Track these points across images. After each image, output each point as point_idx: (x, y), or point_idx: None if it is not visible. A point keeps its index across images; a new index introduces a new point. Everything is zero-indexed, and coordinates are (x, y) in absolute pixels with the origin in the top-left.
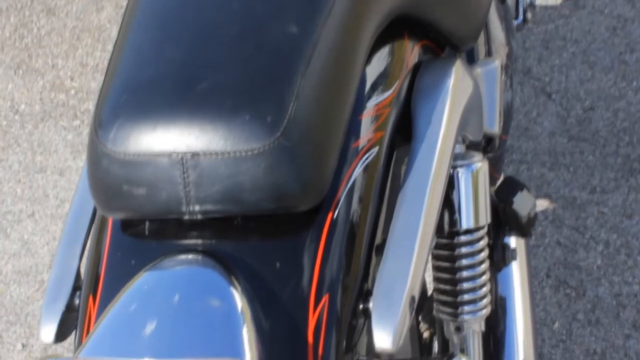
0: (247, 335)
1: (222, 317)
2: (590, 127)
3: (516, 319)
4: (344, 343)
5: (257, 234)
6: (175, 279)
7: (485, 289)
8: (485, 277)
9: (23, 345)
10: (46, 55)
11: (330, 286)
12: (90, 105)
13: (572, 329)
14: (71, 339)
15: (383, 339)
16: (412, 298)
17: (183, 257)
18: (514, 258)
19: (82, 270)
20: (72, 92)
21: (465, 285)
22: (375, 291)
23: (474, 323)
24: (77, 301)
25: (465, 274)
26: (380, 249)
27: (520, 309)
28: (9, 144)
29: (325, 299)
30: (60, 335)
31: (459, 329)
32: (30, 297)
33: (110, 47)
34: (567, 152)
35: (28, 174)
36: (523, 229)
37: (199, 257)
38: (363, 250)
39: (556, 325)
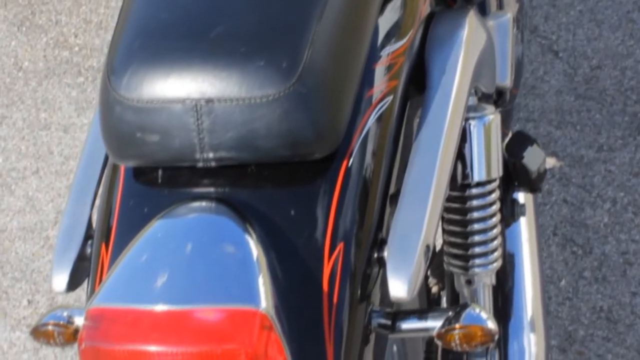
0: (262, 283)
1: (237, 264)
2: (598, 85)
3: (524, 274)
4: (359, 292)
5: (272, 182)
6: (189, 226)
7: (496, 242)
8: (496, 231)
9: (29, 302)
10: (49, 11)
11: (344, 234)
12: (95, 63)
13: (578, 286)
14: (77, 294)
15: (398, 287)
16: (427, 247)
17: (196, 204)
18: (523, 214)
19: (94, 220)
20: (76, 49)
21: (477, 238)
22: (389, 240)
23: (485, 276)
24: (88, 250)
25: (476, 226)
26: (394, 199)
27: (528, 265)
28: (12, 101)
29: (340, 247)
30: (72, 285)
31: (469, 282)
32: (36, 253)
33: (114, 4)
34: (574, 111)
35: (32, 131)
36: (532, 184)
37: (213, 204)
38: (377, 199)
39: (563, 282)
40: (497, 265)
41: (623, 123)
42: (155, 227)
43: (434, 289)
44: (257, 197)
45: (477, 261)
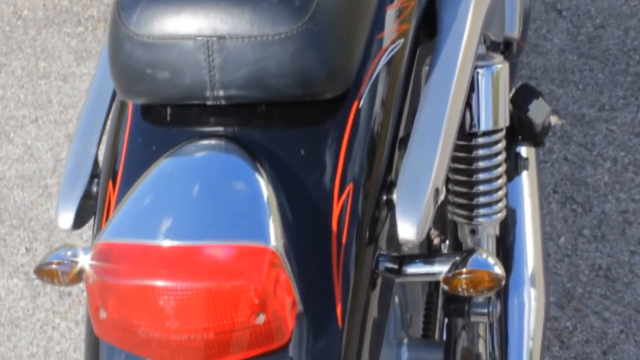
0: (272, 221)
1: (246, 201)
2: (601, 44)
3: (525, 229)
4: (367, 234)
5: (282, 121)
6: (199, 163)
7: (501, 193)
8: (501, 181)
9: (27, 249)
10: None
11: (354, 176)
12: (94, 12)
13: (577, 244)
14: (78, 237)
15: (407, 229)
16: (437, 190)
17: (206, 142)
18: (526, 168)
19: (100, 158)
20: None
21: (482, 188)
22: (399, 182)
23: (489, 226)
24: (94, 189)
25: (481, 176)
26: (404, 142)
27: (529, 220)
28: (11, 49)
29: (349, 188)
30: (78, 223)
31: (473, 231)
32: (34, 201)
33: None
34: (577, 69)
35: (31, 80)
36: (536, 138)
37: (222, 142)
38: (387, 141)
39: (562, 240)
40: (501, 216)
41: (625, 83)
42: (164, 164)
43: (436, 241)
44: (267, 137)
45: (482, 211)
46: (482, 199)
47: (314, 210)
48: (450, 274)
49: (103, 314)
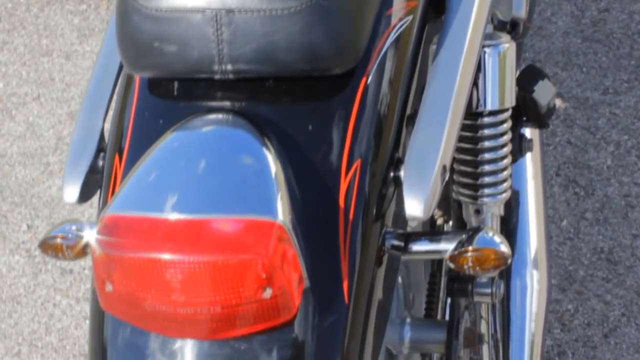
0: (280, 195)
1: (254, 175)
2: (605, 28)
3: (529, 211)
4: (374, 211)
5: (290, 97)
6: (206, 137)
7: (506, 173)
8: (506, 161)
9: (28, 226)
10: None
11: (362, 152)
12: None
13: (580, 227)
14: (80, 214)
15: (414, 206)
16: (444, 167)
17: (213, 116)
18: (530, 149)
19: (106, 132)
20: None
21: (487, 168)
22: (406, 159)
23: (494, 206)
24: (100, 163)
25: (487, 156)
26: (411, 120)
27: (533, 202)
28: (14, 26)
29: (357, 164)
30: (84, 197)
31: (478, 211)
32: (36, 179)
33: None
34: (581, 53)
35: (33, 57)
36: (541, 119)
37: (230, 116)
38: (395, 118)
39: (564, 223)
40: (506, 196)
41: (629, 67)
42: (171, 138)
43: (439, 221)
44: (275, 112)
45: (487, 191)
46: (487, 179)
47: (321, 186)
48: (456, 252)
49: (109, 287)
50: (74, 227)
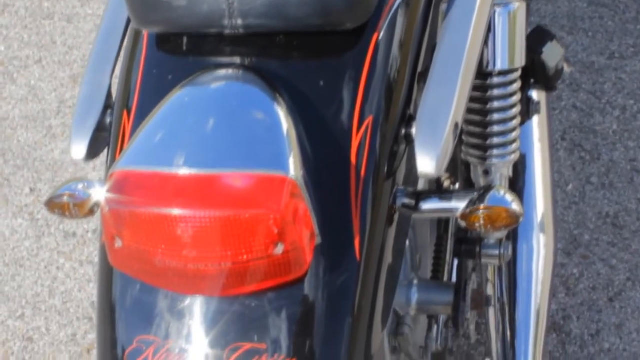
0: (292, 151)
1: (266, 131)
2: None
3: (535, 175)
4: (385, 168)
5: (301, 52)
6: (217, 92)
7: (515, 134)
8: (516, 122)
9: (31, 190)
10: None
11: (373, 108)
12: None
13: (585, 191)
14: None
15: (426, 163)
16: (456, 124)
17: (223, 71)
18: (538, 112)
19: (113, 89)
20: None
21: (496, 128)
22: (418, 116)
23: (502, 167)
24: (108, 120)
25: (496, 116)
26: (423, 77)
27: (540, 165)
28: None
29: (368, 120)
30: (91, 154)
31: (487, 172)
32: (38, 142)
33: None
34: (587, 17)
35: (35, 20)
36: (549, 82)
37: (240, 72)
38: (406, 75)
39: (570, 187)
40: (514, 157)
41: (635, 31)
42: (181, 93)
43: (446, 183)
44: (286, 67)
45: (496, 151)
46: (496, 140)
47: (333, 143)
48: (467, 210)
49: (119, 243)
50: (80, 186)
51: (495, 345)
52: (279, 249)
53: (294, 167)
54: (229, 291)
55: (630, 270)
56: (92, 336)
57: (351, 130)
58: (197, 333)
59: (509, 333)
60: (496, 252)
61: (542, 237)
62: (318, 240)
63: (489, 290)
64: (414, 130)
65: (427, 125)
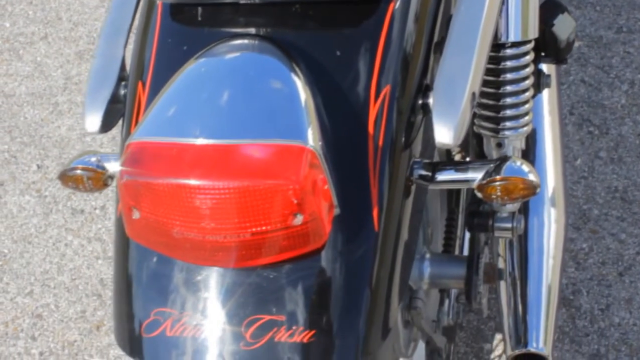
0: (310, 121)
1: (283, 100)
2: None
3: (546, 148)
4: (402, 139)
5: (317, 22)
6: (233, 62)
7: (528, 106)
8: (528, 94)
9: (38, 167)
10: None
11: (391, 78)
12: None
13: (594, 166)
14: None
15: (443, 133)
16: (473, 94)
17: (239, 41)
18: (548, 85)
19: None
20: None
21: (509, 101)
22: (435, 86)
23: (515, 140)
24: (122, 91)
25: (509, 88)
26: (439, 47)
27: (550, 139)
28: None
29: (386, 90)
30: (105, 126)
31: (500, 145)
32: (44, 119)
33: None
34: None
35: None
36: (560, 54)
37: (256, 42)
38: (423, 44)
39: (578, 162)
40: (527, 129)
41: None
42: (198, 64)
43: (457, 157)
44: (302, 37)
45: (508, 124)
46: (509, 112)
47: (350, 113)
48: (484, 181)
49: (136, 214)
50: (94, 158)
51: (506, 320)
52: (298, 220)
53: (312, 137)
54: (247, 263)
55: (639, 245)
56: (101, 313)
57: (368, 100)
58: (214, 305)
59: (520, 307)
60: (509, 224)
61: (553, 211)
62: (336, 211)
63: (500, 265)
64: (430, 101)
65: (444, 95)
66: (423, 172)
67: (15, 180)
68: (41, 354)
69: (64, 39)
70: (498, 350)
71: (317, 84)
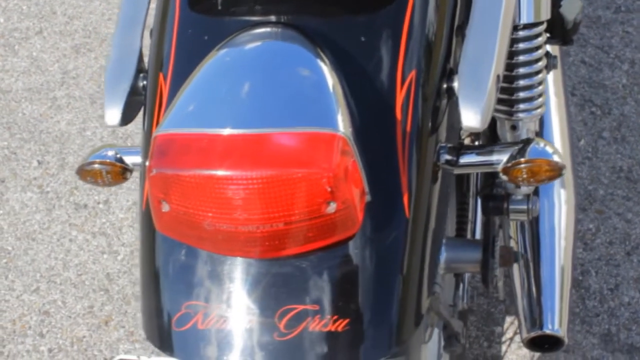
0: (339, 107)
1: (311, 87)
2: None
3: (553, 129)
4: (429, 124)
5: (339, 8)
6: (259, 51)
7: (541, 87)
8: (541, 75)
9: (39, 162)
10: None
11: (416, 62)
12: None
13: (597, 146)
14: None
15: (470, 117)
16: (498, 77)
17: (263, 30)
18: (555, 67)
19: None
20: None
21: (522, 83)
22: (460, 70)
23: (529, 122)
24: (141, 83)
25: (522, 70)
26: (460, 30)
27: (557, 120)
28: None
29: (412, 75)
30: (125, 119)
31: (514, 127)
32: (43, 114)
33: None
34: None
35: None
36: (566, 35)
37: (279, 30)
38: (445, 28)
39: (582, 142)
40: (541, 111)
41: None
42: (222, 53)
43: (466, 141)
44: (325, 23)
45: (522, 106)
46: (522, 94)
47: (378, 98)
48: (509, 164)
49: (166, 207)
50: (111, 152)
51: (520, 303)
52: (331, 208)
53: (342, 124)
54: (280, 253)
55: None
56: (109, 307)
57: (395, 85)
58: (246, 296)
59: (534, 289)
60: (524, 207)
61: (562, 193)
62: (368, 197)
63: (513, 248)
64: (455, 84)
65: (469, 79)
66: (448, 157)
67: (16, 176)
68: (50, 350)
69: (60, 33)
70: (509, 333)
71: (343, 70)
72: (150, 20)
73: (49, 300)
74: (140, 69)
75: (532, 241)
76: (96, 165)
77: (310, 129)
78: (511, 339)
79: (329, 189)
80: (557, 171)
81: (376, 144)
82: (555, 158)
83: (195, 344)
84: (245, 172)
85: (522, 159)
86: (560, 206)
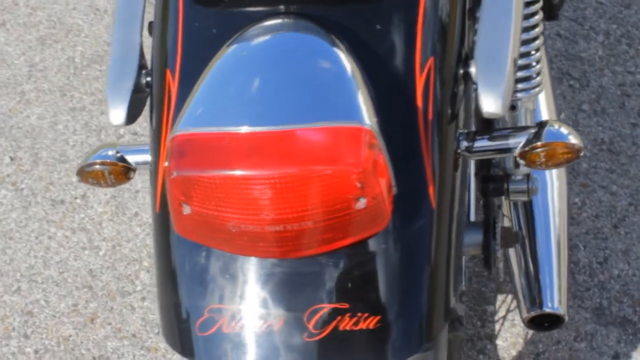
0: (362, 98)
1: (332, 79)
2: None
3: (540, 106)
4: (449, 111)
5: None
6: (274, 43)
7: (539, 66)
8: (539, 54)
9: (11, 159)
10: None
11: (434, 49)
12: None
13: (578, 119)
14: (64, 142)
15: (490, 103)
16: (515, 60)
17: (275, 21)
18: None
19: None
20: None
21: (520, 62)
22: (477, 55)
23: (528, 101)
24: (144, 80)
25: (520, 49)
26: (471, 14)
27: (543, 97)
28: None
29: (430, 62)
30: (130, 118)
31: (513, 107)
32: (12, 109)
33: None
34: None
35: None
36: (552, 10)
37: (292, 20)
38: (458, 13)
39: (562, 116)
40: (539, 89)
41: None
42: (236, 48)
43: None
44: (338, 12)
45: (520, 85)
46: (520, 73)
47: (398, 87)
48: (527, 148)
49: (187, 210)
50: (112, 152)
51: (519, 282)
52: (361, 204)
53: (367, 115)
54: (308, 252)
55: (631, 195)
56: (94, 305)
57: (414, 73)
58: (271, 298)
59: (532, 268)
60: (524, 186)
61: (554, 170)
62: (394, 190)
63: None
64: (472, 70)
65: (487, 64)
66: (467, 143)
67: None
68: (36, 352)
69: (24, 25)
70: (501, 312)
71: (361, 59)
72: (148, 15)
73: (32, 300)
74: (142, 65)
75: (527, 219)
76: (97, 166)
77: (335, 124)
78: (504, 317)
79: (359, 185)
80: (574, 153)
81: (399, 133)
82: (572, 139)
83: (221, 348)
84: (270, 171)
85: (539, 143)
86: (553, 182)
